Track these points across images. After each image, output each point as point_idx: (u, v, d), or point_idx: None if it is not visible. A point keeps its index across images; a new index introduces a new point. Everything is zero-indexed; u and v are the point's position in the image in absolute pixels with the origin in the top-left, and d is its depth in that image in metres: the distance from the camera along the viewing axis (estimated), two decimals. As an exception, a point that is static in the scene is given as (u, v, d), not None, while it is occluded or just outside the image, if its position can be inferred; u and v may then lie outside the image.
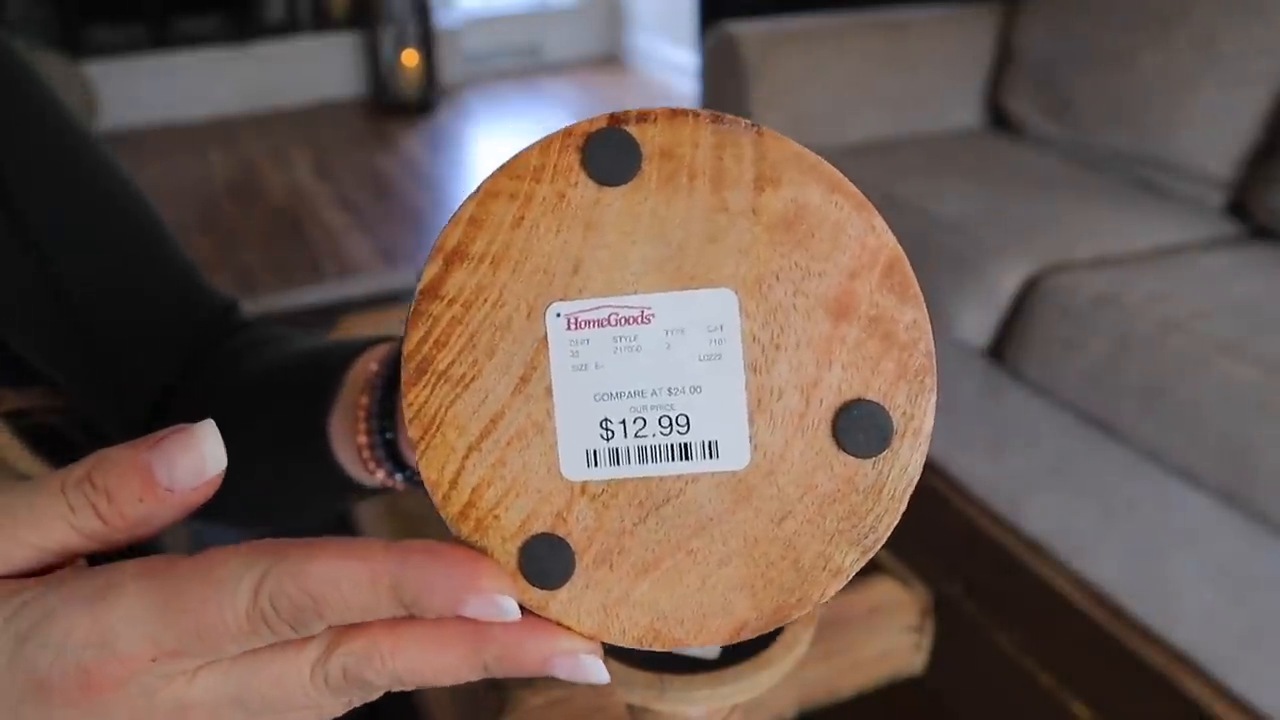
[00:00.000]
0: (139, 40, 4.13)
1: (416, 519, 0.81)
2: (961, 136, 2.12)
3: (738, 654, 0.29)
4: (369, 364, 0.40)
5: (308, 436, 0.41)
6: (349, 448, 0.40)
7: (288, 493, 0.47)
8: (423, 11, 4.19)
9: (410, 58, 4.17)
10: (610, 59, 4.98)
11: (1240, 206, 1.72)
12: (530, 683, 0.56)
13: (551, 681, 0.56)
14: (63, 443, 0.43)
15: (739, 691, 0.28)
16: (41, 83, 0.46)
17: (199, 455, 0.21)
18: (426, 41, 4.20)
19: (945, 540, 0.80)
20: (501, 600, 0.19)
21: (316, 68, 4.38)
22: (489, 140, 4.00)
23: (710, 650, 0.30)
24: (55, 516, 0.20)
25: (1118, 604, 0.72)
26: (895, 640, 0.65)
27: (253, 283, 2.60)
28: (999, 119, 2.17)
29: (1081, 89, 1.93)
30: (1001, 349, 1.58)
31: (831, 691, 0.65)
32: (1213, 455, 1.28)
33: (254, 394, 0.45)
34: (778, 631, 0.30)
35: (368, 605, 0.19)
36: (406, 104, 4.20)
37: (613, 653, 0.29)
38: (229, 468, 0.47)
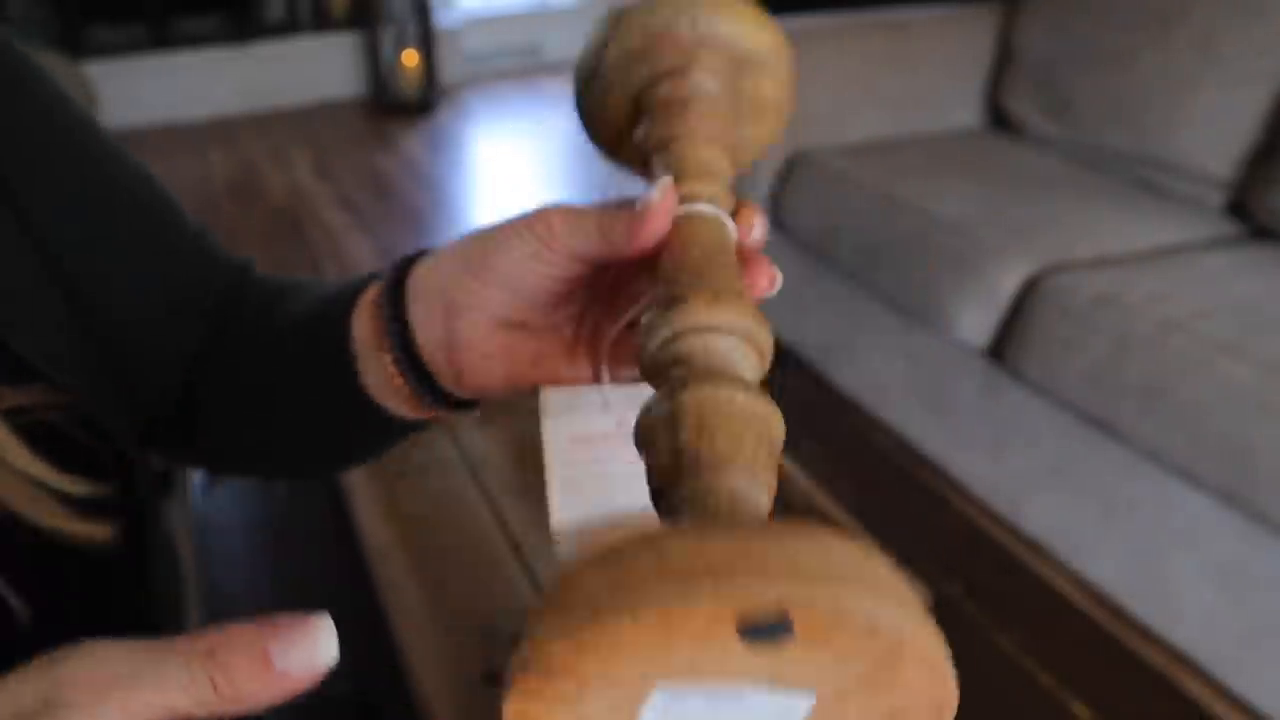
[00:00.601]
0: (139, 40, 4.13)
1: (417, 520, 0.81)
2: (961, 136, 2.12)
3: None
4: (369, 296, 0.40)
5: (338, 381, 0.42)
6: (378, 374, 0.41)
7: (332, 441, 0.47)
8: (423, 11, 4.19)
9: (410, 58, 4.17)
10: (610, 59, 4.97)
11: (1240, 206, 1.72)
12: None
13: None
14: (62, 440, 0.42)
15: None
16: (42, 76, 0.46)
17: (314, 647, 0.23)
18: (426, 41, 4.20)
19: (945, 540, 0.80)
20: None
21: (316, 68, 4.38)
22: (489, 140, 4.00)
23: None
24: (176, 682, 0.22)
25: (1118, 604, 0.72)
26: (895, 640, 0.65)
27: (253, 283, 2.60)
28: (999, 119, 2.17)
29: (1081, 89, 1.93)
30: (1001, 349, 1.58)
31: (831, 692, 0.64)
32: (1213, 455, 1.28)
33: (278, 351, 0.46)
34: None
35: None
36: (406, 104, 4.20)
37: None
38: (275, 429, 0.45)
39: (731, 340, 0.27)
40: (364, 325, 0.40)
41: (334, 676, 0.67)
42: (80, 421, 0.43)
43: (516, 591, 0.74)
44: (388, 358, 0.39)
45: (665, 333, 0.27)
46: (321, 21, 4.37)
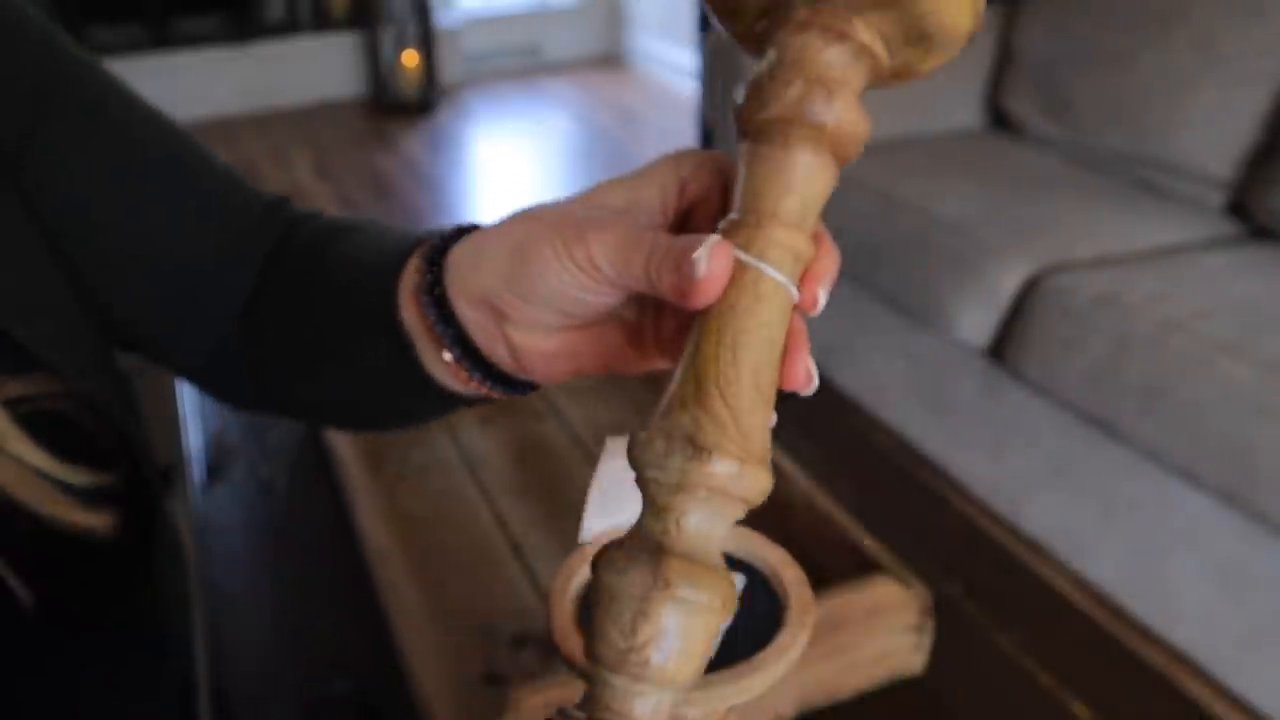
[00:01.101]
0: (139, 40, 4.13)
1: (417, 521, 0.81)
2: (961, 136, 2.12)
3: (732, 656, 0.29)
4: (409, 283, 0.38)
5: (395, 362, 0.40)
6: (436, 361, 0.39)
7: (390, 406, 0.45)
8: (423, 11, 4.19)
9: (410, 58, 4.17)
10: (610, 59, 4.98)
11: (1240, 206, 1.72)
12: (530, 682, 0.56)
13: (550, 681, 0.56)
14: (65, 429, 0.42)
15: (732, 694, 0.28)
16: (42, 35, 0.45)
17: None
18: (426, 41, 4.20)
19: (945, 540, 0.80)
20: None
21: (316, 68, 4.38)
22: (489, 140, 4.00)
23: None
24: None
25: (1118, 604, 0.72)
26: (895, 640, 0.65)
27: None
28: (999, 119, 2.17)
29: (1081, 89, 1.93)
30: (1001, 349, 1.58)
31: (831, 692, 0.65)
32: (1213, 455, 1.28)
33: (330, 311, 0.44)
34: (773, 633, 0.30)
35: None
36: (406, 104, 4.20)
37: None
38: (327, 388, 0.44)
39: (733, 508, 0.25)
40: (414, 316, 0.38)
41: (334, 676, 0.68)
42: (83, 411, 0.43)
43: (516, 591, 0.74)
44: (446, 354, 0.37)
45: (674, 478, 0.25)
46: (321, 21, 4.37)
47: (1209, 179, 1.74)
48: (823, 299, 0.29)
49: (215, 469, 0.90)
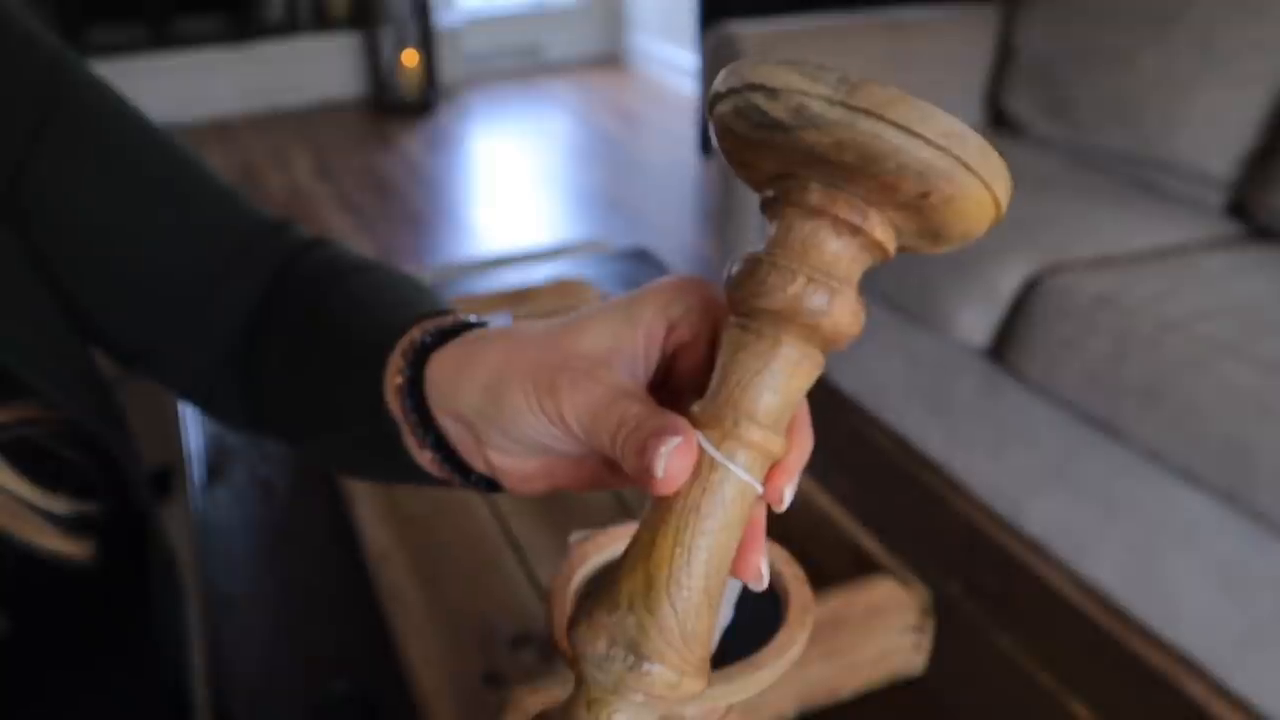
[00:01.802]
0: (139, 40, 4.13)
1: (417, 521, 0.81)
2: (961, 136, 2.12)
3: (732, 655, 0.29)
4: (394, 382, 0.38)
5: (379, 441, 0.40)
6: (419, 455, 0.38)
7: (370, 469, 0.45)
8: (423, 11, 4.19)
9: (410, 58, 4.17)
10: (610, 59, 4.98)
11: (1240, 206, 1.72)
12: (530, 682, 0.56)
13: (550, 681, 0.56)
14: (44, 456, 0.42)
15: (731, 692, 0.28)
16: (49, 56, 0.45)
17: None
18: (426, 41, 4.20)
19: (945, 540, 0.80)
20: None
21: (316, 68, 4.38)
22: (489, 140, 4.00)
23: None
24: None
25: (1118, 604, 0.72)
26: (895, 640, 0.65)
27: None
28: (999, 119, 2.17)
29: (1081, 89, 1.93)
30: (1001, 349, 1.58)
31: (832, 692, 0.65)
32: (1213, 455, 1.28)
33: (322, 354, 0.44)
34: (772, 633, 0.30)
35: None
36: (406, 104, 4.20)
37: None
38: (311, 424, 0.44)
39: (663, 708, 0.26)
40: (397, 410, 0.37)
41: (334, 676, 0.68)
42: (64, 439, 0.43)
43: (516, 591, 0.74)
44: (426, 453, 0.37)
45: (611, 680, 0.25)
46: (321, 21, 4.37)
47: (1209, 179, 1.74)
48: (788, 496, 0.28)
49: (215, 469, 0.90)
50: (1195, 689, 0.64)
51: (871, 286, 1.82)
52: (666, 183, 3.42)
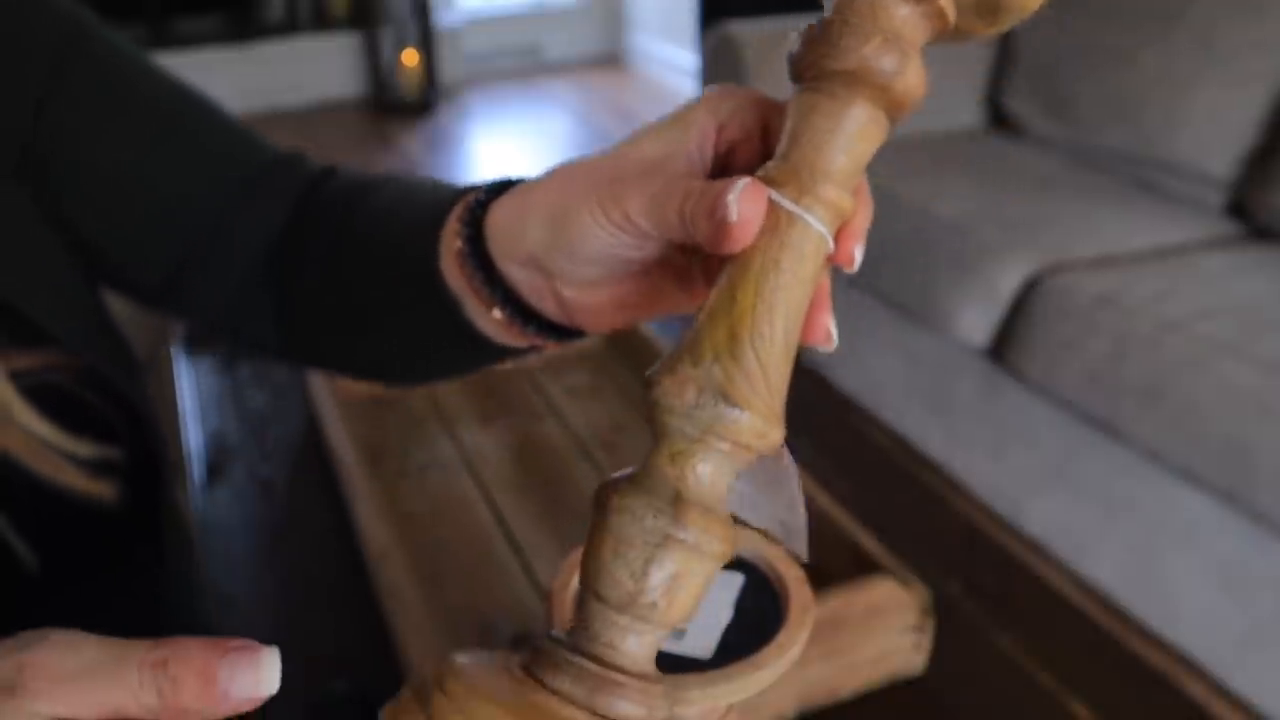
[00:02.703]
0: (139, 40, 4.11)
1: (416, 519, 0.81)
2: (961, 136, 2.12)
3: (732, 655, 0.29)
4: (452, 244, 0.39)
5: (437, 315, 0.41)
6: (482, 314, 0.39)
7: (429, 358, 0.46)
8: (423, 11, 4.19)
9: (410, 58, 4.17)
10: (610, 59, 4.98)
11: (1240, 206, 1.72)
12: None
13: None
14: (69, 401, 0.44)
15: (731, 692, 0.28)
16: (68, 10, 0.47)
17: (257, 677, 0.25)
18: (426, 41, 4.20)
19: (945, 540, 0.80)
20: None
21: (316, 68, 4.38)
22: (489, 140, 4.00)
23: (705, 651, 0.30)
24: (127, 686, 0.23)
25: (1118, 604, 0.72)
26: (895, 640, 0.65)
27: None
28: (999, 119, 2.17)
29: (1081, 89, 1.93)
30: (1001, 349, 1.58)
31: (832, 691, 0.65)
32: (1213, 455, 1.28)
33: (366, 267, 0.45)
34: (773, 633, 0.30)
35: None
36: (406, 104, 4.20)
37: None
38: (365, 340, 0.46)
39: (746, 459, 0.26)
40: (458, 277, 0.38)
41: (334, 676, 0.67)
42: (86, 385, 0.45)
43: (516, 591, 0.74)
44: (496, 312, 0.38)
45: (699, 427, 0.25)
46: (321, 21, 4.37)
47: (1209, 179, 1.74)
48: (858, 256, 0.29)
49: (215, 469, 0.90)
50: (1195, 689, 0.64)
51: (872, 286, 1.82)
52: (666, 183, 3.42)
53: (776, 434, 0.26)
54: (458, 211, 0.38)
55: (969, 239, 1.63)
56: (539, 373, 1.00)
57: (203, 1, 4.20)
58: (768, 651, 0.29)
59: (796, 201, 0.26)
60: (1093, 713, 0.63)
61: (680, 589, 0.24)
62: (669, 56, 4.59)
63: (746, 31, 2.02)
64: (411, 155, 3.73)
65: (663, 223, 0.30)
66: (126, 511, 0.46)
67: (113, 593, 0.50)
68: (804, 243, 0.26)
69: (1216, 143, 1.71)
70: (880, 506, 0.80)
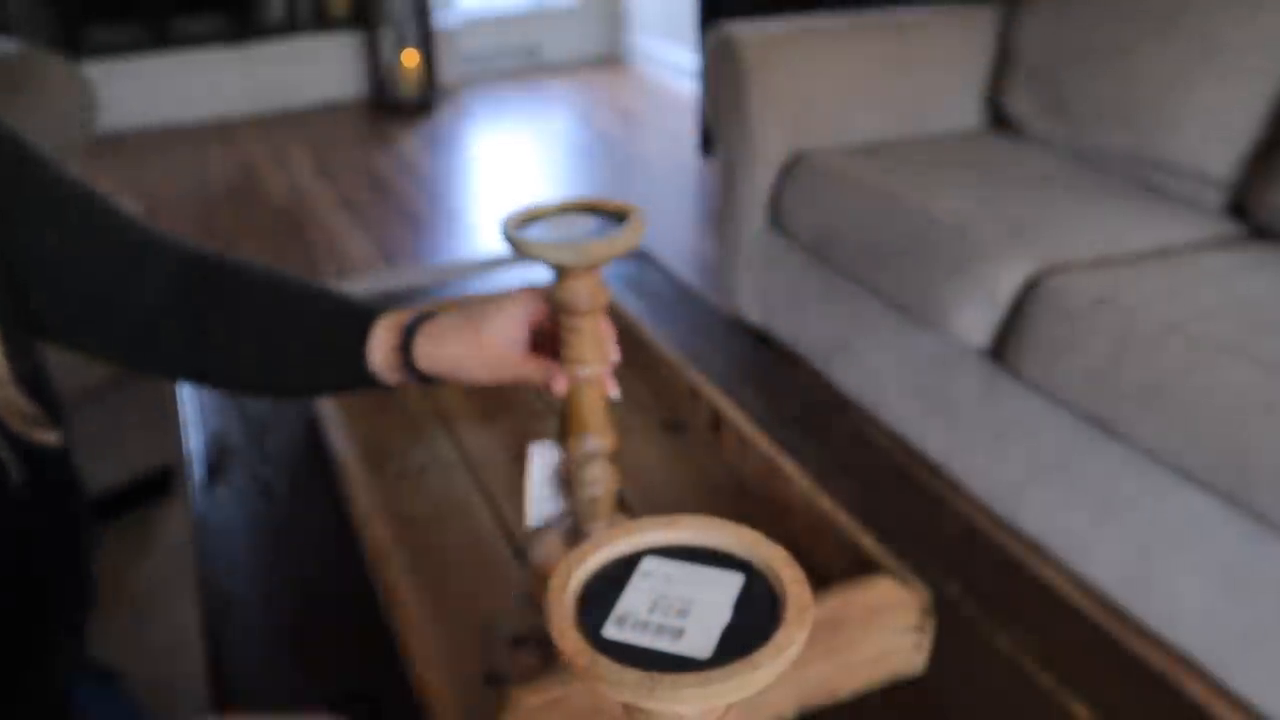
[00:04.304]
0: (139, 40, 4.12)
1: (417, 521, 0.81)
2: (961, 136, 2.12)
3: (731, 655, 0.29)
4: (388, 342, 0.68)
5: (345, 366, 0.69)
6: (384, 373, 0.68)
7: (322, 387, 0.74)
8: (422, 12, 4.19)
9: (410, 58, 4.17)
10: (610, 59, 4.98)
11: (1240, 206, 1.72)
12: (530, 682, 0.56)
13: (550, 681, 0.56)
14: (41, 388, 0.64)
15: (730, 691, 0.28)
16: (35, 154, 0.64)
17: None
18: (426, 41, 4.20)
19: (945, 540, 0.80)
20: None
21: (316, 68, 4.38)
22: (488, 140, 4.00)
23: (704, 650, 0.30)
24: None
25: (1117, 604, 0.72)
26: (895, 640, 0.65)
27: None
28: (999, 119, 2.17)
29: (1081, 89, 1.93)
30: (1001, 349, 1.58)
31: (831, 691, 0.65)
32: (1213, 455, 1.28)
33: (289, 328, 0.69)
34: (771, 632, 0.30)
35: None
36: (406, 104, 4.20)
37: (605, 651, 0.29)
38: (262, 349, 0.71)
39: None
40: (384, 365, 0.68)
41: (334, 676, 0.68)
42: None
43: (516, 592, 0.74)
44: (397, 376, 0.69)
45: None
46: (321, 21, 4.37)
47: (1209, 179, 1.74)
48: (614, 388, 0.67)
49: (215, 469, 0.90)
50: (1195, 689, 0.64)
51: (872, 286, 1.83)
52: (666, 183, 3.42)
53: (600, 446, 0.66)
54: (389, 324, 0.68)
55: (969, 239, 1.63)
56: (539, 373, 1.00)
57: (203, 1, 4.20)
58: (766, 651, 0.29)
59: (582, 369, 0.64)
60: (1092, 713, 0.63)
61: None
62: (669, 56, 4.59)
63: (746, 32, 2.02)
64: (411, 155, 3.73)
65: (523, 381, 0.66)
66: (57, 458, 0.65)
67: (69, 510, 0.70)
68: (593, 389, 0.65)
69: (1216, 142, 1.71)
70: (880, 506, 0.80)
